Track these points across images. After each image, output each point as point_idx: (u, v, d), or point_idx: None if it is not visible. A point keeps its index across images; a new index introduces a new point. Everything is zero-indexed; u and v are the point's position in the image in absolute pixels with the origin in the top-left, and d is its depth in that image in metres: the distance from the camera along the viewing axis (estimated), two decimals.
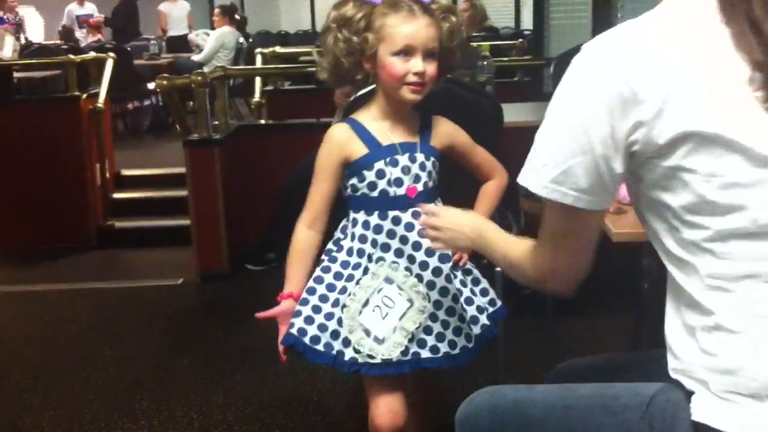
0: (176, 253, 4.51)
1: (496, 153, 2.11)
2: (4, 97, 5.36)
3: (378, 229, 1.80)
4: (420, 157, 1.82)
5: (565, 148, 1.16)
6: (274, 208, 4.15)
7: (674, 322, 1.19)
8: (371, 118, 1.83)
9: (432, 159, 1.84)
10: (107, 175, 5.19)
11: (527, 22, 9.35)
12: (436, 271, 1.81)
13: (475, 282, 1.90)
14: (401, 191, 1.79)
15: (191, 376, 3.00)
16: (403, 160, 1.80)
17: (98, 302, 3.88)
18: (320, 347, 1.78)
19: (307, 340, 1.79)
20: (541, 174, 1.18)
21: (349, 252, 1.82)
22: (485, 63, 3.57)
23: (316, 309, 1.80)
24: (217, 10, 9.20)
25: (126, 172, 5.82)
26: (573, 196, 1.16)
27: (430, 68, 1.74)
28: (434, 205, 1.57)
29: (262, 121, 5.15)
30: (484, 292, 1.90)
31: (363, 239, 1.81)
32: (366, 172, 1.79)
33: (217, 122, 4.38)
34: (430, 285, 1.81)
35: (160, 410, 2.74)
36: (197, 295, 3.96)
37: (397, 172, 1.79)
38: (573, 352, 3.05)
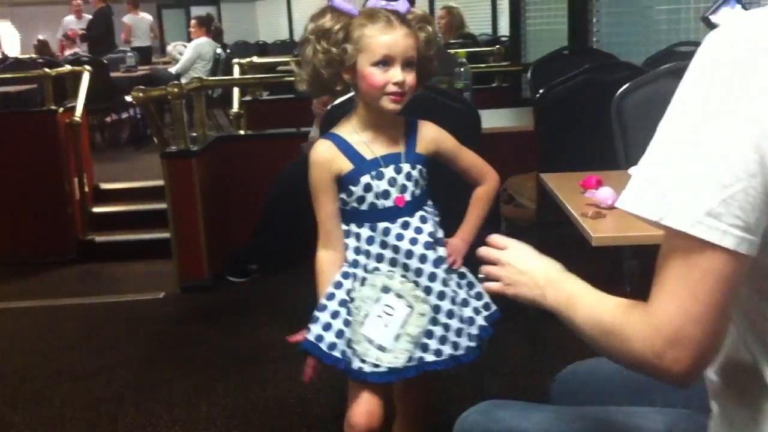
0: (157, 265, 4.48)
1: None
2: None
3: (370, 241, 1.82)
4: (405, 167, 1.82)
5: (724, 168, 0.86)
6: (255, 219, 4.15)
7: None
8: (352, 130, 1.84)
9: (418, 167, 1.85)
10: (86, 188, 5.16)
11: (504, 29, 9.39)
12: (432, 276, 1.82)
13: (470, 286, 1.91)
14: (389, 203, 1.81)
15: (174, 389, 2.98)
16: (389, 172, 1.81)
17: (79, 316, 3.85)
18: (337, 353, 1.80)
19: (324, 346, 1.79)
20: (688, 204, 0.87)
21: (348, 263, 1.85)
22: (462, 69, 3.58)
23: (335, 314, 1.81)
24: (193, 21, 9.18)
25: (105, 186, 5.80)
26: (735, 237, 0.86)
27: (410, 78, 1.75)
28: (501, 237, 1.34)
29: (241, 132, 5.13)
30: (478, 296, 1.91)
31: (357, 251, 1.83)
32: (353, 187, 1.81)
33: (195, 134, 4.37)
34: (427, 290, 1.82)
35: (144, 425, 2.72)
36: (179, 307, 3.94)
37: (384, 184, 1.80)
38: (558, 353, 3.06)
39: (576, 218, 1.84)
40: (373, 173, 1.80)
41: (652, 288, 0.95)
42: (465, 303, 1.88)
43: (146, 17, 11.06)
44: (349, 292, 1.82)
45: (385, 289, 1.80)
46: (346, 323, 1.80)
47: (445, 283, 1.83)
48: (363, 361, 1.78)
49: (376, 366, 1.77)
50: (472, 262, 1.85)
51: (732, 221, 0.85)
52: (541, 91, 2.97)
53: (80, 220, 5.02)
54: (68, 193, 4.89)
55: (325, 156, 1.81)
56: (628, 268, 2.40)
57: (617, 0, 4.91)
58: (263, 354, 3.24)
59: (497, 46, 6.33)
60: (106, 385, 3.04)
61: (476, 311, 1.90)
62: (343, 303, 1.81)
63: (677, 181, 0.88)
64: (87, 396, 2.96)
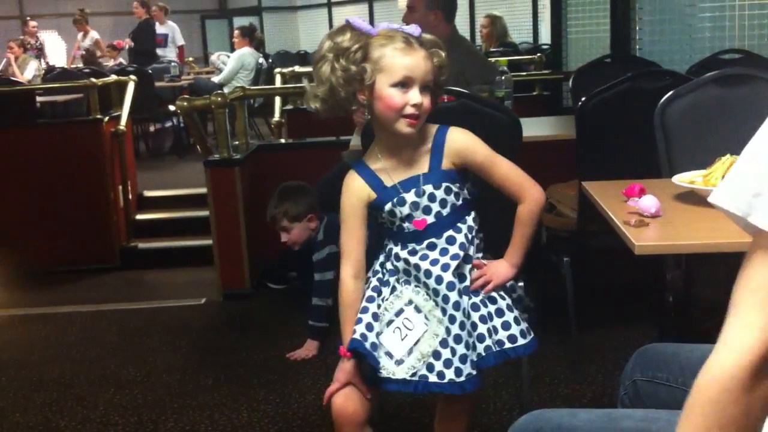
0: (199, 272, 4.53)
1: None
2: (27, 120, 5.43)
3: (397, 258, 1.85)
4: (427, 188, 1.81)
5: None
6: None
7: None
8: (375, 158, 1.85)
9: (444, 184, 1.81)
10: (130, 196, 5.24)
11: (545, 37, 9.35)
12: (445, 299, 1.79)
13: (499, 313, 1.85)
14: (413, 227, 1.82)
15: (215, 395, 3.00)
16: (410, 197, 1.81)
17: (122, 323, 3.90)
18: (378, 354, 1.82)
19: (368, 345, 1.81)
20: None
21: (383, 272, 1.88)
22: (503, 78, 3.57)
23: (376, 317, 1.84)
24: (236, 32, 9.27)
25: (148, 194, 5.87)
26: None
27: (426, 101, 1.74)
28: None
29: (282, 140, 5.17)
30: (505, 326, 1.84)
31: (391, 264, 1.86)
32: (381, 213, 1.84)
33: (237, 142, 4.41)
34: (443, 312, 1.81)
35: (185, 430, 2.75)
36: (220, 314, 3.97)
37: (406, 209, 1.81)
38: (597, 366, 3.03)
39: (619, 226, 1.82)
40: (395, 200, 1.81)
41: (729, 310, 0.85)
42: (480, 335, 1.82)
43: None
44: (382, 296, 1.85)
45: (409, 303, 1.82)
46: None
47: (456, 306, 1.79)
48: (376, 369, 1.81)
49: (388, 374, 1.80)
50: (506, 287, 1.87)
51: None
52: (582, 99, 2.95)
53: (124, 227, 5.10)
54: (112, 200, 4.96)
55: (355, 186, 1.85)
56: (670, 278, 2.37)
57: (660, 7, 4.86)
58: (303, 362, 3.25)
59: (538, 55, 6.30)
60: (148, 391, 3.07)
61: (499, 343, 1.82)
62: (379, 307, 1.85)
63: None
64: (130, 402, 2.99)
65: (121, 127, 5.09)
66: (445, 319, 1.80)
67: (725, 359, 0.83)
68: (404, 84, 1.72)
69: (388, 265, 1.87)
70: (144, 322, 3.88)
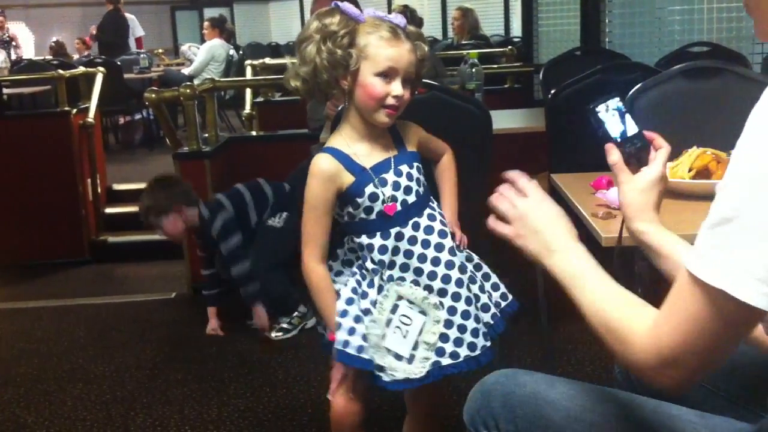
0: (168, 266, 4.50)
1: (486, 159, 2.11)
2: None
3: (383, 250, 1.80)
4: (404, 168, 1.82)
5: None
6: None
7: None
8: (345, 143, 1.82)
9: (415, 164, 1.85)
10: (99, 189, 5.18)
11: (517, 30, 9.38)
12: (446, 278, 1.81)
13: (486, 277, 1.92)
14: (397, 206, 1.80)
15: (185, 389, 2.98)
16: (390, 176, 1.80)
17: (91, 317, 3.86)
18: (366, 356, 1.78)
19: (352, 350, 1.77)
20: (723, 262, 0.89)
21: (362, 275, 1.84)
22: (474, 70, 3.57)
23: (358, 319, 1.79)
24: (206, 23, 9.20)
25: (118, 187, 5.82)
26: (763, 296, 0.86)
27: (407, 94, 1.75)
28: (522, 177, 1.29)
29: (253, 133, 5.14)
30: (495, 287, 1.92)
31: (372, 261, 1.81)
32: (359, 199, 1.79)
33: (207, 135, 4.38)
34: (442, 292, 1.81)
35: (155, 426, 2.73)
36: (190, 308, 3.94)
37: (389, 190, 1.79)
38: (568, 358, 3.05)
39: (586, 218, 1.83)
40: (376, 181, 1.79)
41: (665, 302, 0.97)
42: (484, 305, 1.87)
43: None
44: (365, 295, 1.80)
45: (399, 298, 1.80)
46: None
47: (459, 283, 1.82)
48: (381, 369, 1.78)
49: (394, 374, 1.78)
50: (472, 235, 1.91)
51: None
52: (552, 91, 2.96)
53: (93, 220, 5.05)
54: (81, 194, 4.91)
55: (328, 169, 1.78)
56: (638, 270, 2.38)
57: (629, 0, 4.89)
58: (274, 355, 3.24)
59: (509, 47, 6.32)
60: (117, 386, 3.05)
61: (497, 305, 1.90)
62: (365, 311, 1.79)
63: (720, 243, 0.89)
64: (99, 397, 2.97)
65: (90, 120, 5.03)
66: (446, 299, 1.80)
67: (637, 346, 1.00)
68: (387, 74, 1.72)
69: (368, 264, 1.82)
70: (113, 317, 3.85)
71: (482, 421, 1.29)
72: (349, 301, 1.80)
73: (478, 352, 1.82)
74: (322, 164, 1.79)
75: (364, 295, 1.80)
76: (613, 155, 1.36)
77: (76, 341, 3.55)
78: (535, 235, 1.23)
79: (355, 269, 1.85)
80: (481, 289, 1.89)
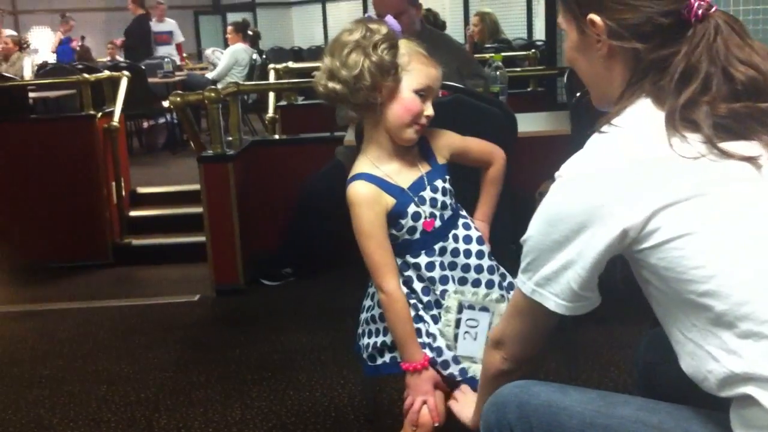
0: (192, 269, 4.52)
1: (510, 162, 2.09)
2: (20, 116, 5.40)
3: (430, 267, 1.81)
4: (438, 183, 1.84)
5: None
6: (289, 223, 4.16)
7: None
8: (373, 165, 1.81)
9: (447, 177, 1.87)
10: (123, 192, 5.21)
11: (540, 33, 9.35)
12: (489, 284, 1.85)
13: (503, 277, 1.92)
14: (438, 222, 1.82)
15: (208, 391, 2.99)
16: (428, 193, 1.82)
17: (115, 319, 3.88)
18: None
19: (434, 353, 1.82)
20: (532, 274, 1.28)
21: (416, 292, 1.83)
22: (498, 73, 3.56)
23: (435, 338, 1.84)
24: (230, 27, 9.25)
25: (142, 190, 5.85)
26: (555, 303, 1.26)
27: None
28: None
29: (276, 136, 5.15)
30: (510, 287, 1.92)
31: (420, 279, 1.82)
32: (402, 220, 1.79)
33: (230, 138, 4.39)
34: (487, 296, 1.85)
35: (179, 427, 2.73)
36: (213, 311, 3.96)
37: (428, 207, 1.81)
38: (592, 364, 3.03)
39: None
40: (416, 199, 1.80)
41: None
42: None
43: None
44: (435, 319, 1.82)
45: (460, 308, 1.81)
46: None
47: (501, 286, 1.86)
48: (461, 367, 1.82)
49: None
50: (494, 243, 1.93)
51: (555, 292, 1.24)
52: (578, 94, 2.93)
53: (117, 223, 5.07)
54: (105, 197, 4.94)
55: (369, 194, 1.78)
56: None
57: None
58: (297, 358, 3.24)
59: (532, 51, 6.29)
60: (141, 388, 3.06)
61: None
62: (429, 334, 1.82)
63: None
64: (122, 398, 2.98)
65: (114, 123, 5.06)
66: (503, 296, 1.85)
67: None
68: (423, 92, 1.76)
69: (416, 285, 1.82)
70: (137, 319, 3.86)
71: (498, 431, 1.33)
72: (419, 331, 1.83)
73: None
74: (361, 190, 1.79)
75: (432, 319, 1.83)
76: None
77: (100, 343, 3.57)
78: None
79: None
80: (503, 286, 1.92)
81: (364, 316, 1.95)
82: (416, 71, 1.75)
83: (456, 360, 1.81)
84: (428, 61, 1.78)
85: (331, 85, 1.77)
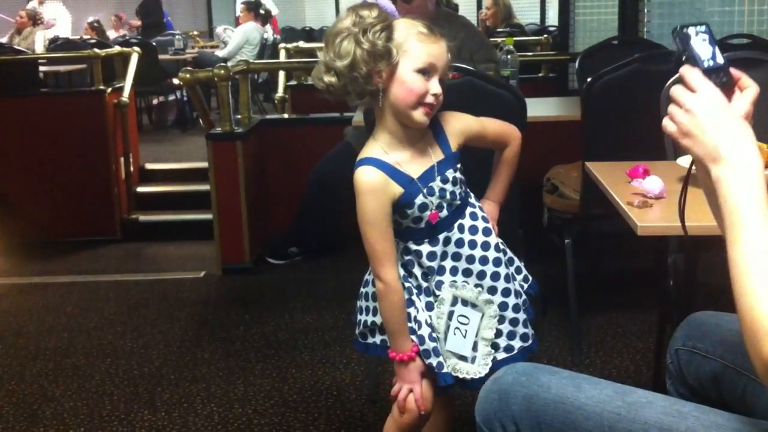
0: (199, 246, 4.53)
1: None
2: (30, 90, 5.40)
3: (431, 257, 1.78)
4: (449, 173, 1.77)
5: None
6: (296, 202, 4.16)
7: None
8: (383, 151, 1.74)
9: (458, 165, 1.80)
10: (132, 168, 5.22)
11: (553, 19, 9.30)
12: (495, 276, 1.80)
13: (510, 262, 1.89)
14: (444, 213, 1.77)
15: (212, 368, 3.00)
16: (437, 184, 1.76)
17: (121, 294, 3.89)
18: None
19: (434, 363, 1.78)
20: None
21: (406, 279, 1.80)
22: (509, 57, 3.54)
23: (431, 337, 1.81)
24: (241, 6, 9.23)
25: (150, 166, 5.86)
26: None
27: (442, 94, 1.70)
28: (696, 75, 1.13)
29: (285, 115, 5.15)
30: (518, 270, 1.91)
31: (420, 266, 1.79)
32: (408, 210, 1.74)
33: (239, 116, 4.39)
34: (492, 290, 1.81)
35: (181, 402, 2.74)
36: (219, 288, 3.96)
37: (436, 198, 1.75)
38: (597, 351, 3.03)
39: (622, 207, 1.81)
40: (425, 191, 1.74)
41: None
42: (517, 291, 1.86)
43: None
44: (428, 306, 1.80)
45: (454, 301, 1.79)
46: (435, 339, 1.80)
47: (507, 278, 1.82)
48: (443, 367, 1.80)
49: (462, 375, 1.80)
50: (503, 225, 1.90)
51: None
52: (589, 79, 2.92)
53: (125, 199, 5.08)
54: (114, 172, 4.94)
55: (377, 182, 1.71)
56: (672, 262, 2.35)
57: None
58: (301, 337, 3.24)
59: (545, 36, 6.25)
60: (145, 362, 3.07)
61: (521, 288, 1.89)
62: (416, 320, 1.79)
63: None
64: (126, 372, 2.99)
65: (125, 99, 5.06)
66: (497, 296, 1.81)
67: None
68: (426, 71, 1.67)
69: (416, 270, 1.79)
70: (143, 294, 3.88)
71: (500, 423, 1.22)
72: (417, 322, 1.79)
73: (530, 341, 1.85)
74: (369, 177, 1.72)
75: (426, 305, 1.81)
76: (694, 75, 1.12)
77: (106, 317, 3.58)
78: (704, 137, 1.05)
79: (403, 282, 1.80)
80: (508, 278, 1.87)
81: (363, 290, 1.91)
82: (415, 50, 1.66)
83: (436, 351, 1.77)
84: (428, 38, 1.68)
85: (327, 78, 1.70)
